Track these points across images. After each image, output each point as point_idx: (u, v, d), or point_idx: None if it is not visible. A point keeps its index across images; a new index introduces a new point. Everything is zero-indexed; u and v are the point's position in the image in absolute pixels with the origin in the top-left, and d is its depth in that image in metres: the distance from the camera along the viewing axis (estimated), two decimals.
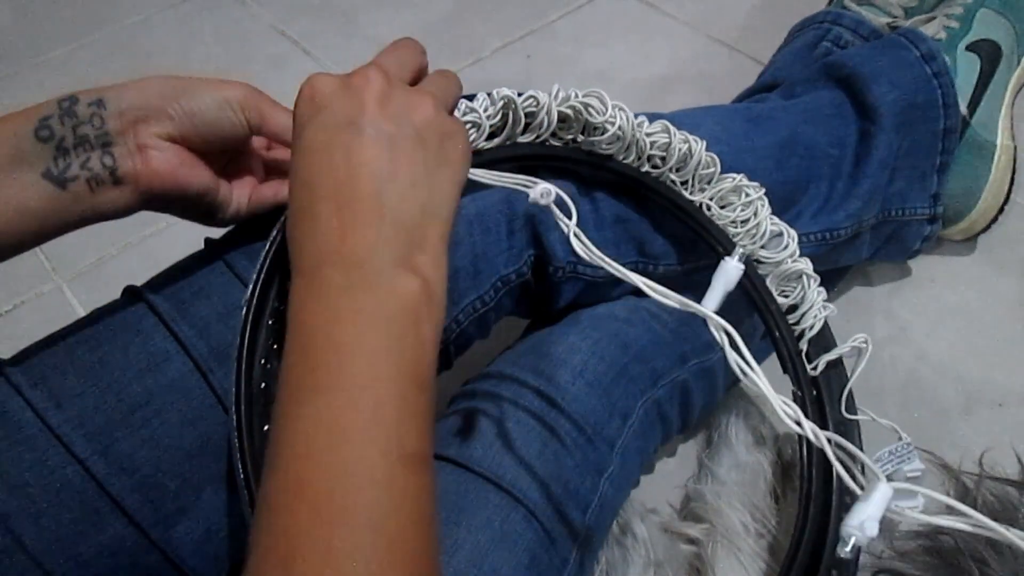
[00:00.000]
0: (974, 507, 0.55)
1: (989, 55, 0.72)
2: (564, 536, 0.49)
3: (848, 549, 0.32)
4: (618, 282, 0.60)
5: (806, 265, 0.56)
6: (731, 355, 0.39)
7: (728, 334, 0.40)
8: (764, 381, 0.38)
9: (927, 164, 0.68)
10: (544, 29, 1.09)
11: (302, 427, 0.31)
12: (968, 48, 0.71)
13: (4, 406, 0.43)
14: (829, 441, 0.35)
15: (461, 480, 0.48)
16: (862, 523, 0.31)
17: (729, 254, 0.52)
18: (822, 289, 0.57)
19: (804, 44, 0.80)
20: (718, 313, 0.41)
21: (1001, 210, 0.74)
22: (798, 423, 0.36)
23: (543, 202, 0.41)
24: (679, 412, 0.60)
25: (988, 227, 0.74)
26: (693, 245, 0.59)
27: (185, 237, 0.49)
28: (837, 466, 0.35)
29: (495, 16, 1.11)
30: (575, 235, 0.42)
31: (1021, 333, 0.73)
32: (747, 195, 0.56)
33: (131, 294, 0.48)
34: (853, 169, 0.64)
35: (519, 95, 0.50)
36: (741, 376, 0.39)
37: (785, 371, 0.56)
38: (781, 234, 0.56)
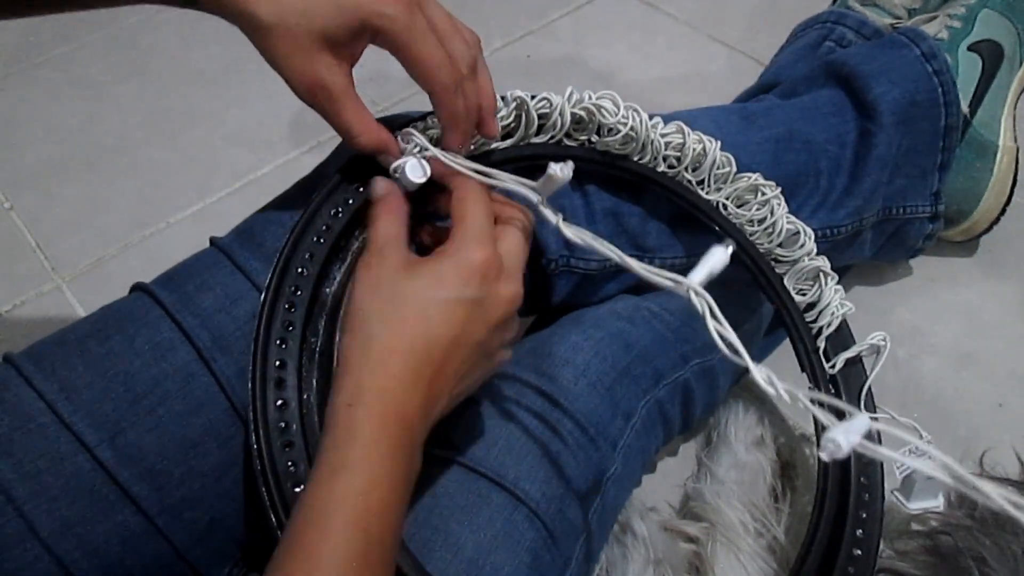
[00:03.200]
0: (973, 508, 0.55)
1: (991, 55, 0.72)
2: (566, 536, 0.49)
3: (824, 456, 0.33)
4: (612, 276, 0.60)
5: (823, 263, 0.56)
6: (711, 323, 0.39)
7: (708, 304, 0.39)
8: (742, 348, 0.38)
9: (928, 162, 0.68)
10: (544, 29, 1.09)
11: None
12: (970, 48, 0.71)
13: (17, 397, 0.44)
14: (815, 402, 0.35)
15: (463, 480, 0.48)
16: (836, 438, 0.32)
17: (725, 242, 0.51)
18: (840, 287, 0.57)
19: (807, 44, 0.80)
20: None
21: (1003, 211, 0.74)
22: (772, 385, 0.36)
23: (563, 175, 0.41)
24: (681, 412, 0.60)
25: (989, 228, 0.75)
26: (687, 239, 0.59)
27: (185, 237, 0.50)
28: (815, 411, 0.35)
29: (495, 16, 1.11)
30: (563, 224, 0.43)
31: (1021, 333, 0.73)
32: (763, 194, 0.56)
33: (139, 290, 0.49)
34: (853, 167, 0.64)
35: (532, 97, 0.50)
36: (721, 345, 0.38)
37: (803, 369, 0.56)
38: (798, 232, 0.56)
